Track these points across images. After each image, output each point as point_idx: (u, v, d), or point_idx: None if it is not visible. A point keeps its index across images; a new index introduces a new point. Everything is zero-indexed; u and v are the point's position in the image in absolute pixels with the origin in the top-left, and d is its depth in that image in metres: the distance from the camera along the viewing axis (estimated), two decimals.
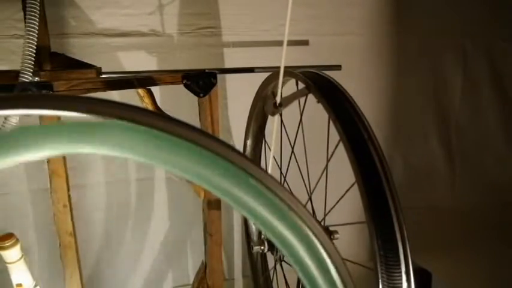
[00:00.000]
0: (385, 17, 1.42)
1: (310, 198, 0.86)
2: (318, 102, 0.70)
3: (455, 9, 1.45)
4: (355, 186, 0.59)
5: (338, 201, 0.77)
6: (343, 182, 0.70)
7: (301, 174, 0.92)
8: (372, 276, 0.56)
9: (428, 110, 1.54)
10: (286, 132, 0.96)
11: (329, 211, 0.81)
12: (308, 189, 0.89)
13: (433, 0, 1.44)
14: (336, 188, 0.78)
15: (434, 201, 1.60)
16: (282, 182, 1.00)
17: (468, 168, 1.60)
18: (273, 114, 0.87)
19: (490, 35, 1.51)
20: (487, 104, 1.57)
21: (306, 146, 0.92)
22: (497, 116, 1.59)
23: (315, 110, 0.75)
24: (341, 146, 0.64)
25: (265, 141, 1.09)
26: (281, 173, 1.01)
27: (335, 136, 0.67)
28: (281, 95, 0.82)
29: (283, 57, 0.76)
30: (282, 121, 0.95)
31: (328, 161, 0.77)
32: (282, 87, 0.81)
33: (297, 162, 0.95)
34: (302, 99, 0.82)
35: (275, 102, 0.83)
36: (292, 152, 0.94)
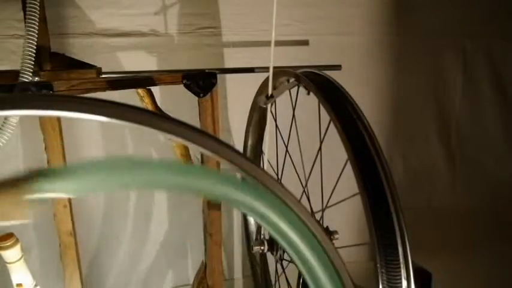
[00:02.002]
0: (385, 17, 1.42)
1: (307, 196, 0.86)
2: (308, 93, 0.72)
3: (455, 9, 1.45)
4: (355, 185, 0.59)
5: (332, 192, 0.78)
6: (343, 178, 0.70)
7: (296, 171, 0.93)
8: (371, 275, 0.56)
9: (428, 110, 1.54)
10: (280, 131, 0.97)
11: (327, 205, 0.81)
12: (303, 184, 0.89)
13: (433, 0, 1.44)
14: (336, 187, 0.78)
15: (434, 201, 1.60)
16: (278, 178, 1.01)
17: (468, 168, 1.60)
18: (264, 105, 0.91)
19: (490, 35, 1.51)
20: (487, 104, 1.57)
21: (300, 141, 0.93)
22: (497, 116, 1.59)
23: (313, 111, 0.75)
24: (340, 146, 0.63)
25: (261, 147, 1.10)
26: (277, 173, 1.01)
27: (332, 132, 0.67)
28: (273, 87, 0.86)
29: (272, 49, 0.81)
30: (275, 118, 0.96)
31: (321, 142, 0.77)
32: (273, 81, 0.86)
33: (291, 159, 0.96)
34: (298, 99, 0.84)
35: (267, 94, 0.88)
36: (287, 149, 0.95)
